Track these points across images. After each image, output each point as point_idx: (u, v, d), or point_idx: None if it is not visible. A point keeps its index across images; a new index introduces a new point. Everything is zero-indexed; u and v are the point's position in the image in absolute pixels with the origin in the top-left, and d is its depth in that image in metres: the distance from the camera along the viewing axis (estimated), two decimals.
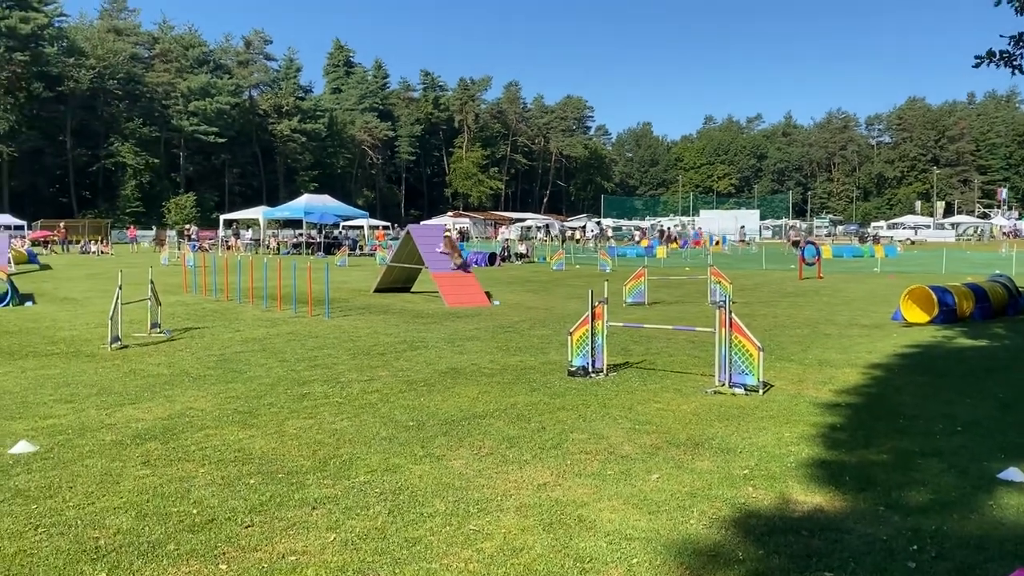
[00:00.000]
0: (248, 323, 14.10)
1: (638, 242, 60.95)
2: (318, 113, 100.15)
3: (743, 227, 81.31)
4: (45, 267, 32.37)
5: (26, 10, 77.17)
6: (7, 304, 16.58)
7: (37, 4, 79.29)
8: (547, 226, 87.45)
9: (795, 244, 58.10)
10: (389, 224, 71.93)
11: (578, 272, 30.17)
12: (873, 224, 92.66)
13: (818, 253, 27.57)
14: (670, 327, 10.82)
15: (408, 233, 19.57)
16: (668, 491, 5.20)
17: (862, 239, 66.83)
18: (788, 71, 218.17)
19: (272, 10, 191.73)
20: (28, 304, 17.17)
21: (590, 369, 9.05)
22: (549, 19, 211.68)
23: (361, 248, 48.91)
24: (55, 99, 77.97)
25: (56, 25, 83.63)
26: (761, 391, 8.06)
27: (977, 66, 8.91)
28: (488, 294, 18.08)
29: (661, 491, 5.20)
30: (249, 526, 4.61)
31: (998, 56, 8.73)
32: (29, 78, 74.42)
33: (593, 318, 9.03)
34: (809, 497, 5.10)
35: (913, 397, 8.01)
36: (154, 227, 68.08)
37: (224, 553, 4.24)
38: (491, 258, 35.00)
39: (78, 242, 51.96)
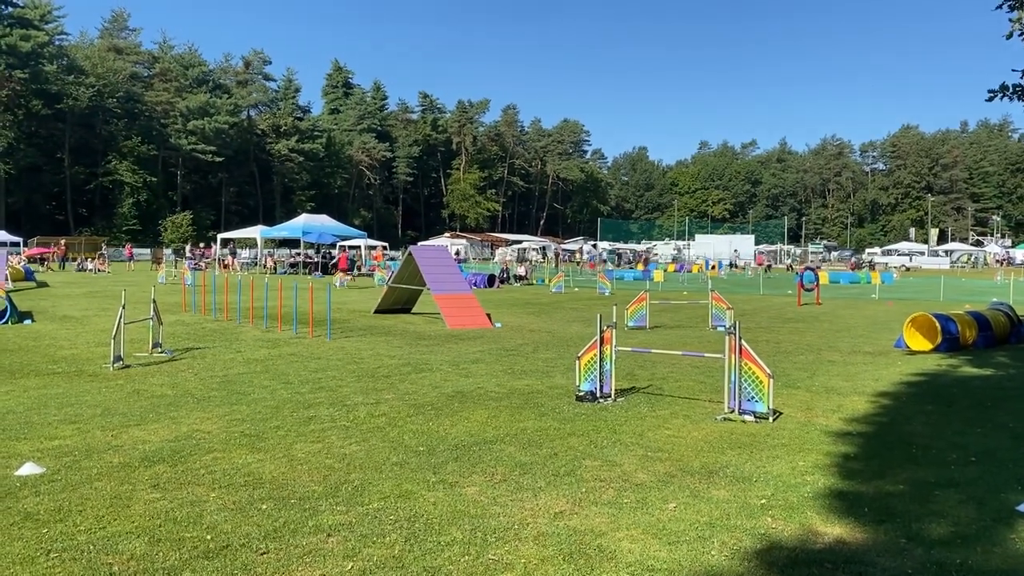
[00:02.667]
0: (249, 344, 14.03)
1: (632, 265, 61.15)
2: (316, 133, 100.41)
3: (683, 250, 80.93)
4: (42, 284, 32.20)
5: (27, 28, 77.42)
6: (6, 322, 16.47)
7: (38, 22, 79.57)
8: (543, 248, 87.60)
9: (768, 268, 58.41)
10: (386, 244, 71.94)
11: (577, 295, 30.15)
12: (867, 250, 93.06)
13: (816, 279, 27.65)
14: (679, 352, 10.78)
15: (410, 254, 19.54)
16: (686, 521, 5.15)
17: (858, 265, 66.93)
18: (783, 97, 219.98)
19: (272, 31, 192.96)
20: (27, 322, 17.06)
21: (598, 394, 9.00)
22: (547, 44, 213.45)
23: (359, 268, 48.84)
24: (54, 116, 77.95)
25: (56, 43, 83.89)
26: (771, 418, 8.02)
27: (991, 99, 8.95)
28: (489, 316, 18.03)
29: (679, 521, 5.15)
30: (264, 553, 4.54)
31: (1011, 90, 8.77)
32: (28, 95, 74.43)
33: (601, 343, 8.98)
34: (829, 528, 5.05)
35: (923, 426, 7.98)
36: (148, 248, 67.76)
37: None
38: (490, 280, 34.97)
39: (74, 259, 51.75)
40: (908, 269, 69.14)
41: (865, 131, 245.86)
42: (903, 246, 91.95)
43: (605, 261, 72.53)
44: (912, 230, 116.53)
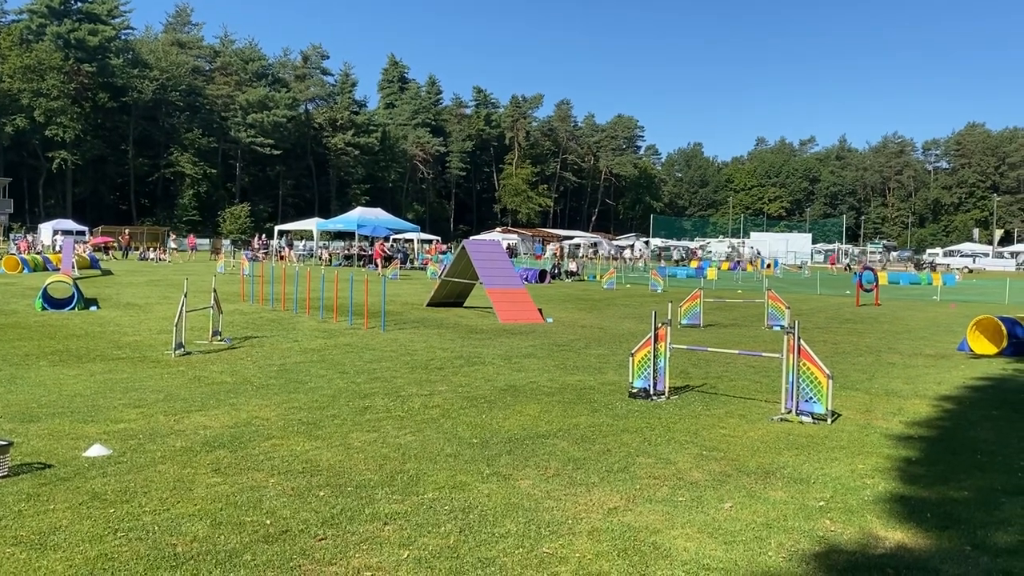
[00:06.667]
0: (306, 334, 14.26)
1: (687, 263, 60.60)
2: (371, 127, 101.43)
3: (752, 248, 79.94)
4: (107, 272, 33.16)
5: (95, 23, 79.86)
6: (73, 308, 17.00)
7: (105, 17, 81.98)
8: (595, 244, 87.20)
9: (742, 263, 56.80)
10: (439, 238, 72.40)
11: (629, 291, 29.96)
12: (928, 251, 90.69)
13: (875, 279, 27.03)
14: (735, 351, 10.65)
15: (463, 248, 19.64)
16: (743, 521, 5.09)
17: (919, 266, 65.26)
18: (843, 94, 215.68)
19: (330, 26, 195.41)
20: (93, 308, 17.58)
21: (651, 391, 8.93)
22: (601, 38, 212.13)
23: (412, 262, 49.28)
24: (119, 109, 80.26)
25: (122, 38, 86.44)
26: (829, 420, 7.88)
27: None
28: (541, 311, 18.03)
29: (735, 520, 5.09)
30: (323, 539, 4.62)
31: None
32: (95, 88, 76.73)
33: (656, 339, 8.91)
34: (890, 533, 4.94)
35: (989, 432, 7.76)
36: (208, 238, 69.21)
37: (300, 566, 4.24)
38: (541, 275, 34.95)
39: (137, 248, 53.18)
40: (971, 271, 67.20)
41: (928, 129, 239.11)
42: (966, 247, 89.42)
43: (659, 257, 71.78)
44: (976, 231, 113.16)
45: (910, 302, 27.37)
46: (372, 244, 50.14)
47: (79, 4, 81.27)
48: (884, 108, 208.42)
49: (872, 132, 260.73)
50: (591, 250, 79.14)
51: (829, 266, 69.76)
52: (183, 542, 4.51)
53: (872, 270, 29.99)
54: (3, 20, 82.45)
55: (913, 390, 10.00)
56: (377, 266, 40.80)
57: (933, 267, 62.49)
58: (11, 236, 57.03)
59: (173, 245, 51.06)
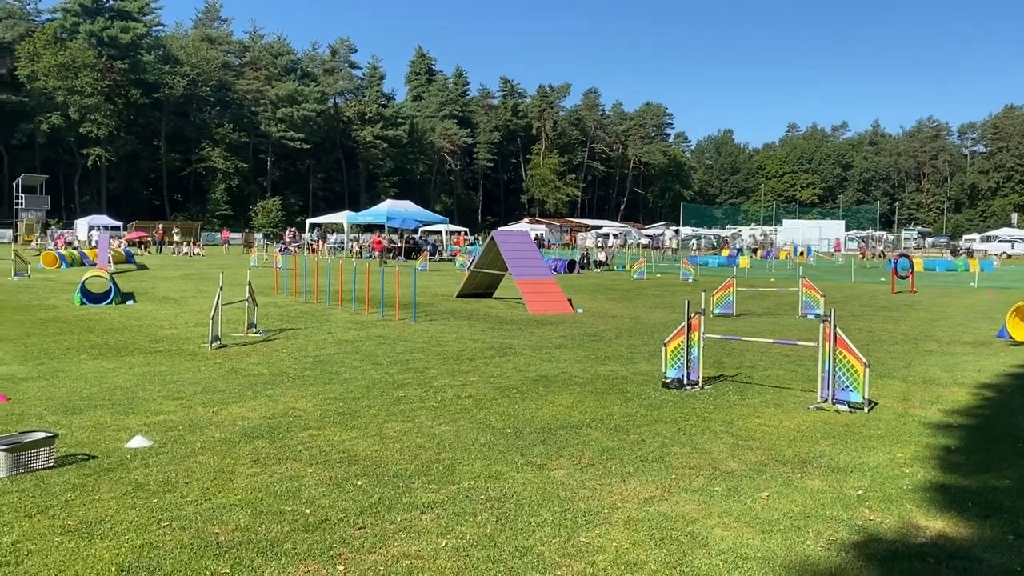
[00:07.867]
0: (339, 325, 14.38)
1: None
2: (399, 120, 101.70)
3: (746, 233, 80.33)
4: (142, 267, 33.65)
5: (127, 20, 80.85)
6: (110, 302, 17.28)
7: (137, 14, 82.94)
8: (624, 234, 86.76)
9: (754, 251, 55.95)
10: (467, 229, 72.52)
11: (659, 281, 29.83)
12: (965, 237, 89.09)
13: (910, 266, 26.66)
14: (770, 340, 10.56)
15: (492, 239, 19.66)
16: (780, 510, 5.06)
17: (955, 252, 64.19)
18: (876, 77, 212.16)
19: (357, 19, 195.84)
20: (129, 303, 17.86)
21: (685, 381, 8.90)
22: (630, 26, 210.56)
23: (440, 253, 49.42)
24: (151, 105, 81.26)
25: (153, 34, 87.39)
26: (866, 409, 7.80)
27: None
28: (570, 301, 18.01)
29: (773, 510, 5.07)
30: (361, 528, 4.67)
31: None
32: (128, 85, 77.73)
33: (689, 329, 8.87)
34: (931, 522, 4.89)
35: None
36: (234, 231, 69.80)
37: (340, 554, 4.30)
38: (570, 265, 34.90)
39: (171, 243, 53.86)
40: (1010, 257, 65.95)
41: (964, 112, 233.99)
42: (1004, 232, 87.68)
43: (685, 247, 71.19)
44: (1014, 215, 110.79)
45: (946, 289, 26.95)
46: (402, 236, 50.37)
47: (111, 2, 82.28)
48: (918, 92, 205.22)
49: (906, 116, 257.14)
50: (616, 240, 78.82)
51: (834, 252, 70.20)
52: (225, 531, 4.59)
53: (907, 257, 29.57)
54: (37, 19, 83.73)
55: (951, 378, 9.87)
56: (380, 257, 41.07)
57: (970, 253, 61.43)
58: (48, 232, 58.06)
59: (177, 238, 51.29)
